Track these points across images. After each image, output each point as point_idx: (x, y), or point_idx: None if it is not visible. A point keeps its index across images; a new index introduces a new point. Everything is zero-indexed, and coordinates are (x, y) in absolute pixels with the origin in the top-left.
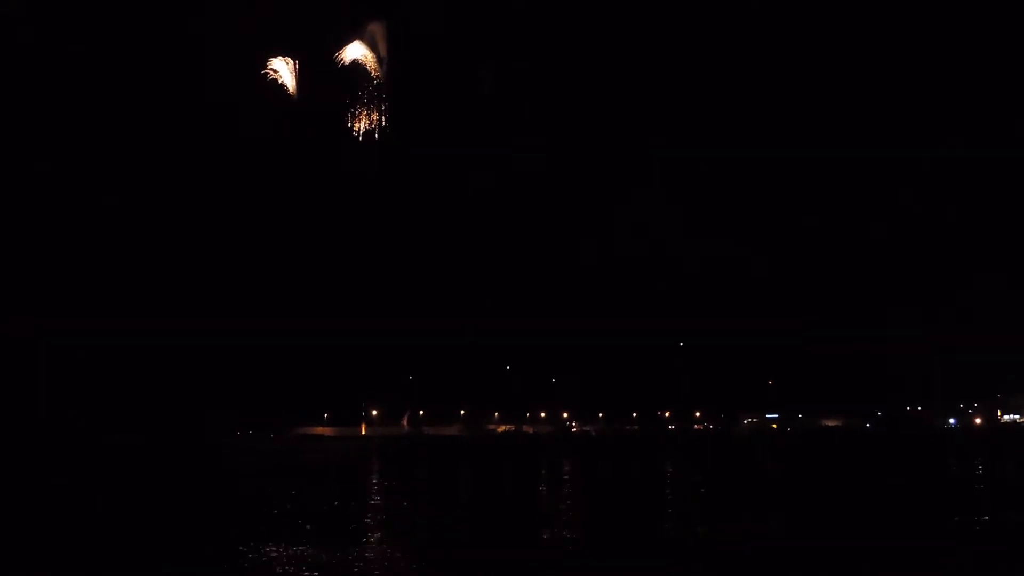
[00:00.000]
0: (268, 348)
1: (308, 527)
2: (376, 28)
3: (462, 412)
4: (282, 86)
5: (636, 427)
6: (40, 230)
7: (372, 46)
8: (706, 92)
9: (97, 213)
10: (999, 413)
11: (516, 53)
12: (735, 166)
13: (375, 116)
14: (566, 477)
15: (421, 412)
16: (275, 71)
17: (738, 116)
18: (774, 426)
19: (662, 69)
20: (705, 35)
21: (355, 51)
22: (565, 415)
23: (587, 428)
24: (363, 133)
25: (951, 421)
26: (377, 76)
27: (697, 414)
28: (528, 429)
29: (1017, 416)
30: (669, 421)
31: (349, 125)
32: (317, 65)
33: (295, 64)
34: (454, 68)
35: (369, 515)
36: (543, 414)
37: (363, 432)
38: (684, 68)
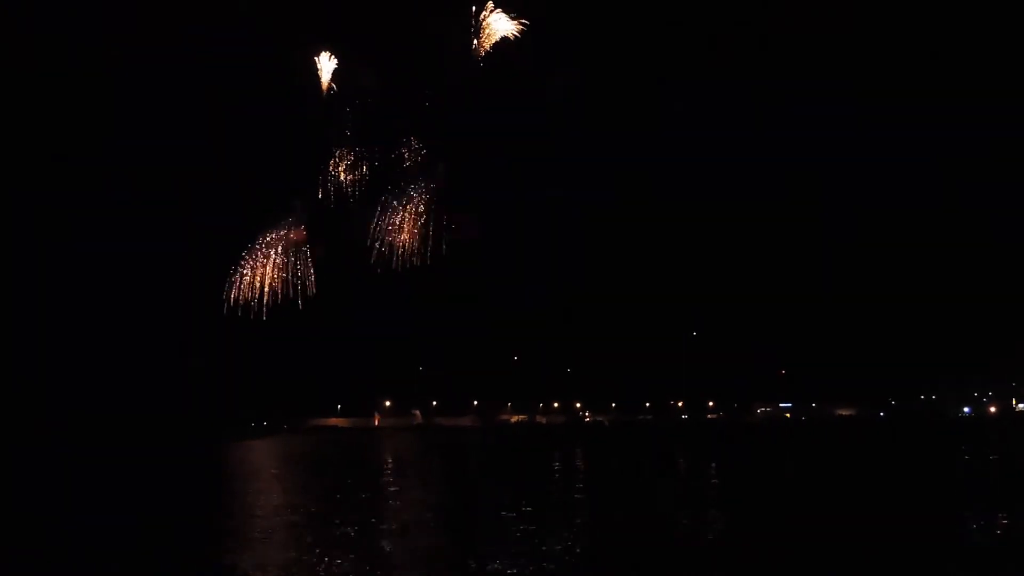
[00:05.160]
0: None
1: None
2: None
3: (475, 403)
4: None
5: (649, 417)
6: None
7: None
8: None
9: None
10: (1014, 402)
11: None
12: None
13: None
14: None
15: (434, 403)
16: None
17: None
18: (788, 415)
19: None
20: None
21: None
22: (578, 405)
23: (600, 418)
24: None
25: (965, 410)
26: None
27: (710, 404)
28: (541, 420)
29: None
30: (682, 411)
31: None
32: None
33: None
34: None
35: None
36: (556, 404)
37: (376, 423)
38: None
